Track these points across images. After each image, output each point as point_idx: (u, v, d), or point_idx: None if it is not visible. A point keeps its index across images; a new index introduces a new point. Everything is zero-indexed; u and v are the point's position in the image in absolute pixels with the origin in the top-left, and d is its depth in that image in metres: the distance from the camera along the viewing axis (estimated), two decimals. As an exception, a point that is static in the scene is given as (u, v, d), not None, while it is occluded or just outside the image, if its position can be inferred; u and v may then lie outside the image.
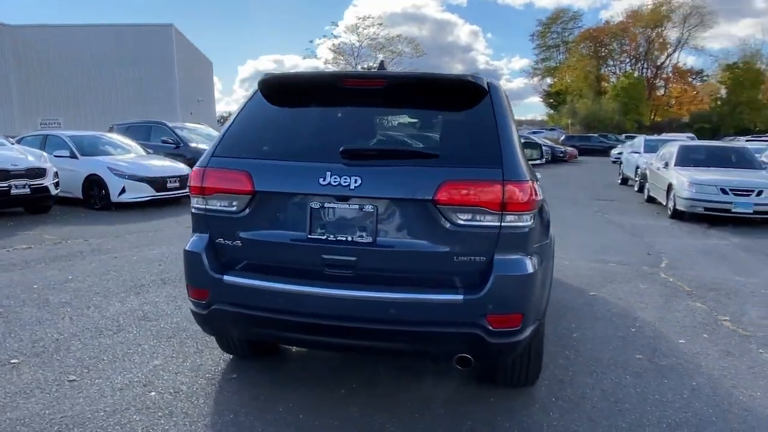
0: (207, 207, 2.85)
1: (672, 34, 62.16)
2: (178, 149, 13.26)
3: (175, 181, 11.25)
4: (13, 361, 3.63)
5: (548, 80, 69.36)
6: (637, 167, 15.88)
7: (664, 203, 11.26)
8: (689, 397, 3.29)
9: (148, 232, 8.47)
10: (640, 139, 19.03)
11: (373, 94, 2.90)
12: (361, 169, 2.60)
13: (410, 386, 3.34)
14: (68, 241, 7.63)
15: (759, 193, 9.65)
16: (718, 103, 58.12)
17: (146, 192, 10.81)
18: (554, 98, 66.12)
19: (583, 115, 55.85)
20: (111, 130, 14.58)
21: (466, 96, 2.82)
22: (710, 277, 6.16)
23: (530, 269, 2.60)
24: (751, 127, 49.78)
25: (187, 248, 2.93)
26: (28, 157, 9.83)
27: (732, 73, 55.70)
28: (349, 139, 2.79)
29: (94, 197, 10.84)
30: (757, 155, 12.24)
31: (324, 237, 2.66)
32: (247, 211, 2.76)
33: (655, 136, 22.85)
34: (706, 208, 9.85)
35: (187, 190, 11.22)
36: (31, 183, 9.46)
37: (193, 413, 2.99)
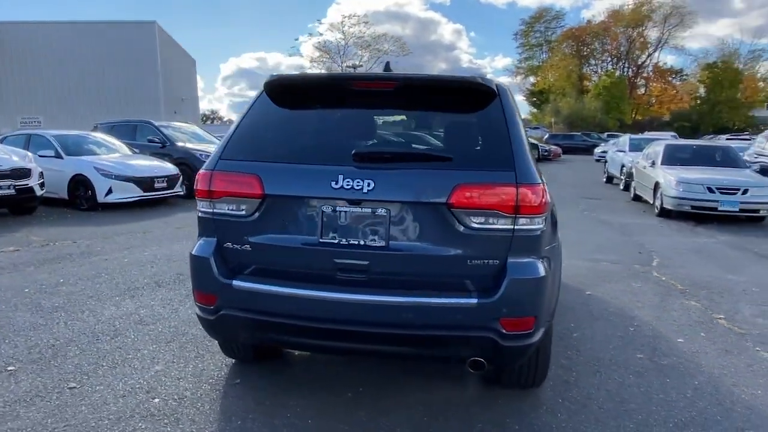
0: (215, 211, 2.80)
1: (652, 33, 63.23)
2: (165, 148, 13.07)
3: (163, 181, 11.12)
4: (9, 368, 3.54)
5: (531, 79, 70.02)
6: (623, 166, 16.07)
7: (651, 202, 11.41)
8: (693, 396, 3.32)
9: (137, 233, 8.35)
10: (625, 138, 19.26)
11: (383, 96, 2.88)
12: (374, 172, 2.58)
13: (416, 389, 3.32)
14: (56, 243, 7.49)
15: (744, 192, 9.83)
16: (698, 102, 59.15)
17: (134, 192, 10.66)
18: (537, 97, 66.64)
19: (566, 113, 56.43)
20: (95, 129, 14.32)
21: (476, 98, 2.81)
22: (702, 276, 6.24)
23: (542, 272, 2.61)
24: (730, 126, 50.68)
25: (193, 253, 2.87)
26: (13, 157, 9.62)
27: (711, 73, 56.70)
28: (360, 142, 2.77)
29: (80, 198, 10.66)
30: (740, 154, 12.43)
31: (336, 241, 2.64)
32: (257, 214, 2.72)
33: (640, 135, 23.14)
34: (693, 207, 10.00)
35: (175, 190, 11.31)
36: (16, 184, 9.26)
37: (199, 420, 2.95)
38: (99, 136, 12.82)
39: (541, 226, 2.61)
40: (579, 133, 44.62)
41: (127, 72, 34.23)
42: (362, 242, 2.62)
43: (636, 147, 16.14)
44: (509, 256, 2.56)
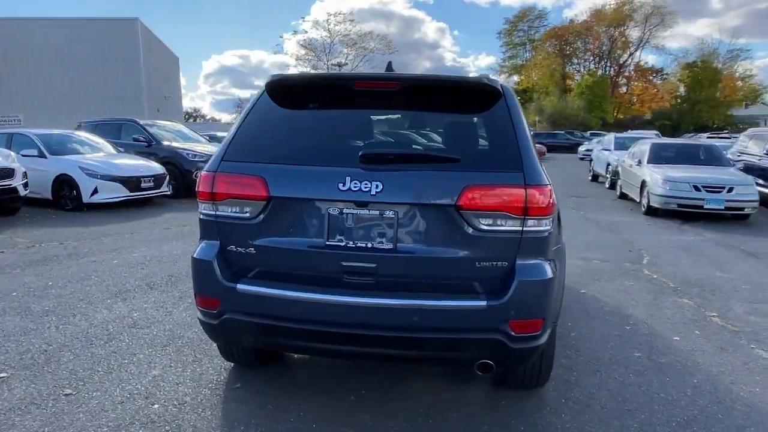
0: (217, 213, 2.75)
1: (634, 33, 64.03)
2: (151, 147, 12.89)
3: (150, 181, 10.96)
4: (2, 374, 3.45)
5: (515, 78, 70.45)
6: (608, 164, 16.20)
7: (638, 200, 11.52)
8: (693, 394, 3.35)
9: (125, 234, 8.21)
10: (610, 137, 19.42)
11: (387, 97, 2.85)
12: (381, 174, 2.55)
13: (420, 391, 3.31)
14: (42, 245, 7.34)
15: (730, 190, 9.97)
16: (678, 100, 59.97)
17: (120, 192, 10.49)
18: (521, 96, 66.87)
19: (550, 112, 56.91)
20: (79, 128, 14.07)
21: (481, 99, 2.79)
22: (692, 273, 6.31)
23: (550, 274, 2.60)
24: (710, 124, 51.45)
25: (195, 256, 2.81)
26: (-5, 157, 9.42)
27: (691, 72, 57.51)
28: (365, 143, 2.73)
29: (65, 198, 10.45)
30: (724, 152, 12.61)
31: (343, 244, 2.60)
32: (261, 217, 2.67)
33: (624, 134, 23.37)
34: (679, 205, 10.12)
35: (161, 190, 11.16)
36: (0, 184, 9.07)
37: (202, 426, 2.90)
38: (83, 135, 12.59)
39: (548, 227, 2.60)
40: (562, 132, 44.97)
41: (109, 69, 33.79)
42: (369, 245, 2.59)
43: (621, 145, 16.29)
44: (517, 258, 2.55)
